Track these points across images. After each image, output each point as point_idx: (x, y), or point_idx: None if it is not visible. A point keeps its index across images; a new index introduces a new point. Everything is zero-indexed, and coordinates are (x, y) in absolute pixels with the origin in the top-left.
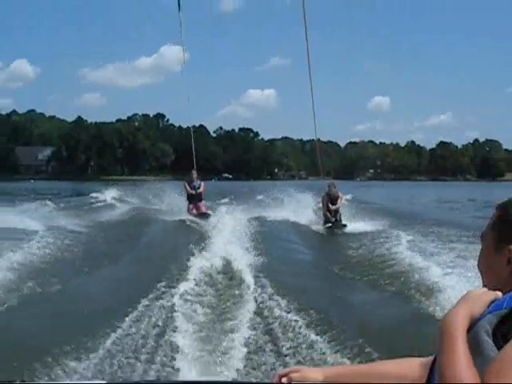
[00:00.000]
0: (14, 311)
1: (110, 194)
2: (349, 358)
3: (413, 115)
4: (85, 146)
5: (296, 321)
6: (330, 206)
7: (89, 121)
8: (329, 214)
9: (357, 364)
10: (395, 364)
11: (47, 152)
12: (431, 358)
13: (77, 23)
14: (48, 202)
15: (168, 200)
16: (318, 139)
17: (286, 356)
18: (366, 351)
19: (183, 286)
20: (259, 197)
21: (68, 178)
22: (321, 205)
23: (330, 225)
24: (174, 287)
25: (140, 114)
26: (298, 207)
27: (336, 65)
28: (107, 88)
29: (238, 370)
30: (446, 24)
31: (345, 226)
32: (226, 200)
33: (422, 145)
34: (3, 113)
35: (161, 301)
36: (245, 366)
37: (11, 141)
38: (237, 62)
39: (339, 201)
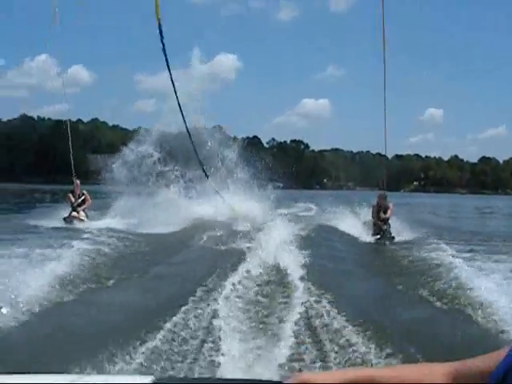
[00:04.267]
0: (66, 308)
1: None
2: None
3: (466, 128)
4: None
5: (344, 326)
6: (381, 215)
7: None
8: (379, 223)
9: (374, 368)
10: (414, 369)
11: (115, 159)
12: (452, 364)
13: (131, 29)
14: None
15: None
16: (357, 152)
17: (329, 358)
18: (410, 359)
19: (230, 286)
20: (307, 205)
21: (131, 184)
22: (370, 216)
23: (378, 236)
24: (222, 286)
25: (201, 125)
26: (346, 217)
27: (390, 77)
28: (161, 95)
29: (280, 370)
30: (500, 36)
31: (393, 238)
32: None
33: (465, 159)
34: (65, 119)
35: (207, 300)
36: (288, 367)
37: (82, 148)
38: (292, 72)
39: (389, 212)
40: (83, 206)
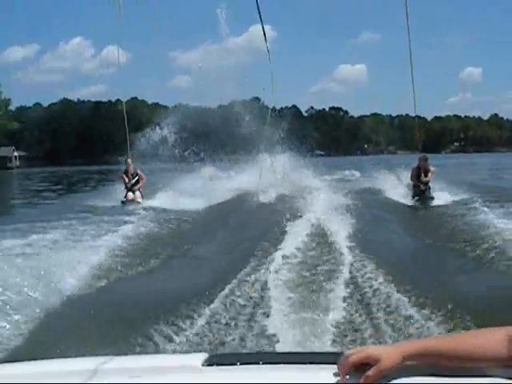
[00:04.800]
0: (115, 286)
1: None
2: (443, 331)
3: (506, 85)
4: (190, 131)
5: (391, 293)
6: (422, 177)
7: (185, 103)
8: (419, 185)
9: (434, 338)
10: (476, 335)
11: (157, 137)
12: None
13: (163, 6)
14: None
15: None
16: (417, 116)
17: (379, 327)
18: (461, 325)
19: (278, 257)
20: (350, 171)
21: (178, 161)
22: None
23: (418, 197)
24: (269, 258)
25: (239, 99)
26: (388, 180)
27: (427, 39)
28: (197, 70)
29: (330, 341)
30: None
31: (432, 198)
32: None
33: (505, 117)
34: (104, 100)
35: (255, 273)
36: (337, 338)
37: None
38: (327, 38)
39: (430, 174)
40: (138, 186)
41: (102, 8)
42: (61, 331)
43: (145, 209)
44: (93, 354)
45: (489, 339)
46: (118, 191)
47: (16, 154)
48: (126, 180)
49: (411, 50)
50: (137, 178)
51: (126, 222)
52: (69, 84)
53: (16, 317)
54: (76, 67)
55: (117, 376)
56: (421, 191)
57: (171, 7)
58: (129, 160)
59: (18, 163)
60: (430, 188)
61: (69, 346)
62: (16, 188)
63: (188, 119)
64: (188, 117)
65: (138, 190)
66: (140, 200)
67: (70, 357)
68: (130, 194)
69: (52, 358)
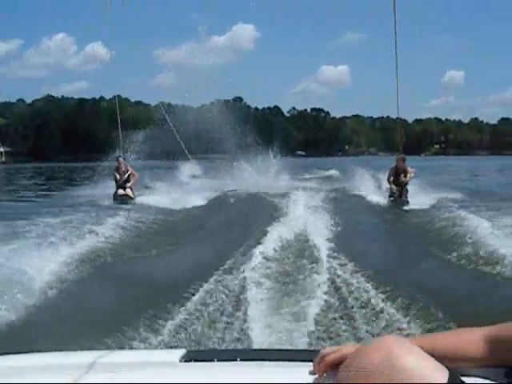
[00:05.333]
0: (91, 281)
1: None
2: (419, 330)
3: (488, 89)
4: (173, 129)
5: (367, 290)
6: (402, 177)
7: (167, 102)
8: (393, 187)
9: (411, 338)
10: (450, 336)
11: (140, 135)
12: (489, 329)
13: (147, 4)
14: None
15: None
16: (398, 118)
17: (357, 325)
18: (441, 324)
19: (258, 254)
20: (329, 172)
21: (160, 158)
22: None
23: (392, 198)
24: (249, 256)
25: (222, 99)
26: (366, 182)
27: (409, 40)
28: (180, 68)
29: (309, 338)
30: None
31: (407, 202)
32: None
33: (485, 121)
34: (88, 97)
35: (235, 270)
36: (317, 337)
37: (107, 125)
38: (311, 38)
39: (408, 175)
40: (130, 183)
41: (85, 4)
42: (34, 326)
43: (136, 205)
44: (67, 349)
45: (465, 339)
46: (110, 188)
47: (2, 149)
48: (118, 177)
49: (397, 54)
50: (128, 174)
51: (113, 217)
52: (52, 80)
53: None
54: (59, 63)
55: (92, 371)
56: (397, 192)
57: (155, 6)
58: (120, 158)
59: (3, 159)
60: (407, 190)
61: (44, 341)
62: (9, 183)
63: (170, 118)
64: (170, 115)
65: (130, 187)
66: (132, 196)
67: (43, 351)
68: (121, 190)
69: (27, 352)
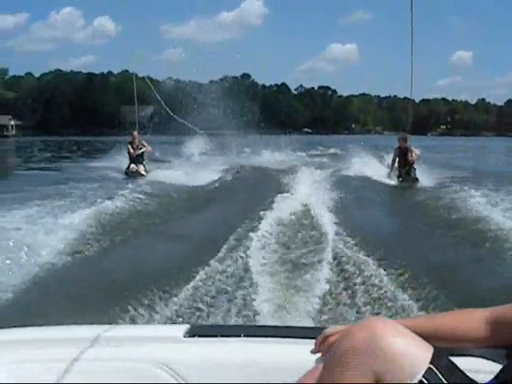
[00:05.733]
0: (97, 258)
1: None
2: (427, 310)
3: (495, 70)
4: (181, 104)
5: (374, 272)
6: (408, 157)
7: (175, 78)
8: (399, 168)
9: (414, 318)
10: (453, 316)
11: (149, 110)
12: (490, 310)
13: None
14: None
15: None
16: (406, 98)
17: (362, 305)
18: (445, 305)
19: (261, 231)
20: (332, 150)
21: (169, 133)
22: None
23: (401, 179)
24: (252, 232)
25: (230, 75)
26: (371, 160)
27: (418, 21)
28: (188, 44)
29: (314, 317)
30: None
31: (416, 180)
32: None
33: (493, 102)
34: (96, 72)
35: (239, 248)
36: (320, 313)
37: (116, 99)
38: (319, 16)
39: (413, 154)
40: (143, 157)
41: None
42: (42, 299)
43: (146, 181)
44: (72, 323)
45: (467, 320)
46: (123, 162)
47: (12, 122)
48: (131, 151)
49: (413, 36)
50: (142, 150)
51: (121, 194)
52: (59, 54)
53: None
54: (67, 37)
55: (97, 345)
56: (405, 172)
57: None
58: (134, 132)
59: (14, 132)
60: (415, 169)
61: (49, 315)
62: (26, 155)
63: (178, 93)
64: (178, 91)
65: (142, 162)
66: (144, 173)
67: (48, 325)
68: (133, 165)
69: (37, 325)
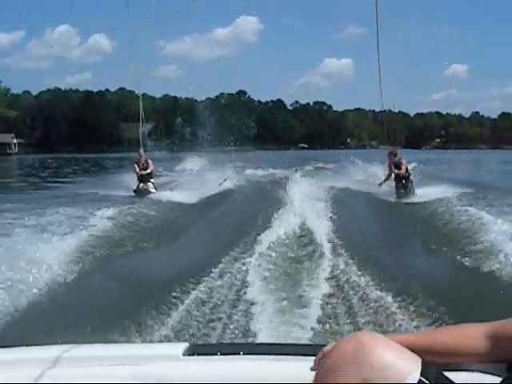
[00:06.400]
0: (92, 275)
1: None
2: (425, 325)
3: (490, 83)
4: (180, 121)
5: (368, 286)
6: (396, 171)
7: (172, 95)
8: (396, 184)
9: (412, 334)
10: (452, 331)
11: (148, 127)
12: (490, 325)
13: None
14: None
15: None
16: (385, 110)
17: (359, 320)
18: (442, 319)
19: (259, 249)
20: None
21: (166, 149)
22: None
23: (396, 194)
24: (250, 250)
25: (226, 92)
26: (369, 175)
27: (411, 34)
28: (184, 60)
29: (312, 333)
30: None
31: (412, 192)
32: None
33: (486, 115)
34: (93, 89)
35: (236, 264)
36: (319, 331)
37: (114, 117)
38: (315, 30)
39: (403, 168)
40: (150, 176)
41: None
42: (37, 318)
43: (155, 199)
44: (72, 342)
45: (466, 335)
46: (129, 181)
47: (15, 141)
48: (137, 169)
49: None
50: (148, 171)
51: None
52: (55, 71)
53: None
54: (62, 55)
55: (99, 363)
56: (401, 186)
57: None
58: (141, 150)
59: (16, 150)
60: (411, 182)
61: (50, 332)
62: (29, 173)
63: (175, 111)
64: (176, 108)
65: (150, 180)
66: (153, 190)
67: (51, 344)
68: (142, 184)
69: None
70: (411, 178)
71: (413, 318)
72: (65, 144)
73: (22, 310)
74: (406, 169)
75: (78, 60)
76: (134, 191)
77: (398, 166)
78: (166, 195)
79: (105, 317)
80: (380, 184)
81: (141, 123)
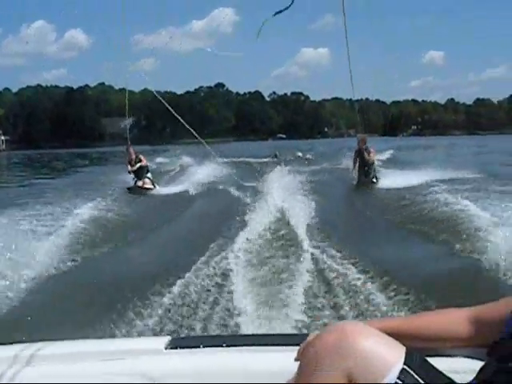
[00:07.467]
0: (73, 271)
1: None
2: (405, 310)
3: (467, 69)
4: (160, 115)
5: (351, 274)
6: (366, 157)
7: (151, 89)
8: (359, 170)
9: (396, 318)
10: (436, 316)
11: (129, 121)
12: (471, 309)
13: None
14: None
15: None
16: (361, 99)
17: (342, 308)
18: (422, 304)
19: (238, 242)
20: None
21: (148, 143)
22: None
23: (357, 181)
24: (230, 243)
25: (205, 86)
26: (337, 163)
27: (388, 21)
28: (161, 53)
29: (294, 323)
30: None
31: (374, 182)
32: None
33: (461, 102)
34: (74, 86)
35: (217, 257)
36: (301, 320)
37: (95, 112)
38: (291, 20)
39: (371, 154)
40: (146, 171)
41: None
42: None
43: (150, 195)
44: (55, 338)
45: (448, 320)
46: (123, 177)
47: (3, 138)
48: (129, 168)
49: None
50: (138, 165)
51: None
52: (32, 68)
53: None
54: (39, 51)
55: (80, 360)
56: (364, 172)
57: None
58: (130, 149)
59: (4, 147)
60: (374, 170)
61: (31, 329)
62: (26, 169)
63: (155, 105)
64: (155, 103)
65: (146, 175)
66: (150, 186)
67: (29, 341)
68: (139, 182)
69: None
70: (375, 165)
71: (395, 304)
72: (47, 140)
73: (3, 308)
74: (373, 156)
75: (55, 55)
76: (128, 189)
77: (367, 151)
78: (167, 190)
79: (86, 313)
80: (352, 170)
81: (127, 118)
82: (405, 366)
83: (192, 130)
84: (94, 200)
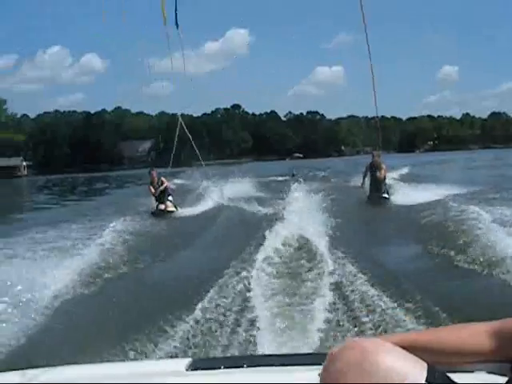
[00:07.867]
0: (96, 293)
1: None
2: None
3: (483, 82)
4: (178, 137)
5: (371, 291)
6: (377, 174)
7: (167, 112)
8: (370, 186)
9: (414, 332)
10: (455, 330)
11: (147, 145)
12: (491, 324)
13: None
14: None
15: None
16: (377, 117)
17: (365, 325)
18: (442, 321)
19: (259, 261)
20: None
21: (166, 165)
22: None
23: (369, 198)
24: (250, 262)
25: (221, 107)
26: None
27: (403, 39)
28: (176, 76)
29: (316, 342)
30: None
31: (385, 197)
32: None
33: (477, 116)
34: (91, 111)
35: (237, 278)
36: (324, 339)
37: (113, 136)
38: (304, 41)
39: (382, 171)
40: (167, 194)
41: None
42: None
43: (174, 218)
44: (76, 362)
45: (470, 334)
46: (145, 200)
47: (24, 163)
48: (153, 191)
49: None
50: (164, 186)
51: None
52: (48, 93)
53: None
54: (55, 76)
55: (103, 382)
56: (375, 189)
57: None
58: (153, 171)
59: (26, 172)
60: (385, 185)
61: (51, 353)
62: (50, 195)
63: (172, 127)
64: (172, 125)
65: (168, 198)
66: (172, 209)
67: (53, 365)
68: (162, 205)
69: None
70: (387, 181)
71: (412, 319)
72: (67, 165)
73: (26, 331)
74: (385, 173)
75: (71, 80)
76: (152, 213)
77: (378, 167)
78: (188, 212)
79: (107, 335)
80: (362, 184)
81: (146, 142)
82: (426, 383)
83: (198, 153)
84: (119, 220)
